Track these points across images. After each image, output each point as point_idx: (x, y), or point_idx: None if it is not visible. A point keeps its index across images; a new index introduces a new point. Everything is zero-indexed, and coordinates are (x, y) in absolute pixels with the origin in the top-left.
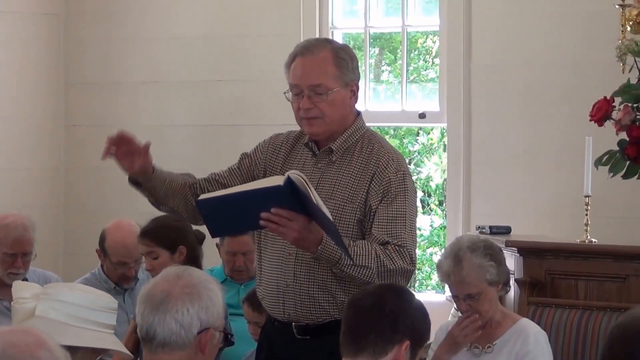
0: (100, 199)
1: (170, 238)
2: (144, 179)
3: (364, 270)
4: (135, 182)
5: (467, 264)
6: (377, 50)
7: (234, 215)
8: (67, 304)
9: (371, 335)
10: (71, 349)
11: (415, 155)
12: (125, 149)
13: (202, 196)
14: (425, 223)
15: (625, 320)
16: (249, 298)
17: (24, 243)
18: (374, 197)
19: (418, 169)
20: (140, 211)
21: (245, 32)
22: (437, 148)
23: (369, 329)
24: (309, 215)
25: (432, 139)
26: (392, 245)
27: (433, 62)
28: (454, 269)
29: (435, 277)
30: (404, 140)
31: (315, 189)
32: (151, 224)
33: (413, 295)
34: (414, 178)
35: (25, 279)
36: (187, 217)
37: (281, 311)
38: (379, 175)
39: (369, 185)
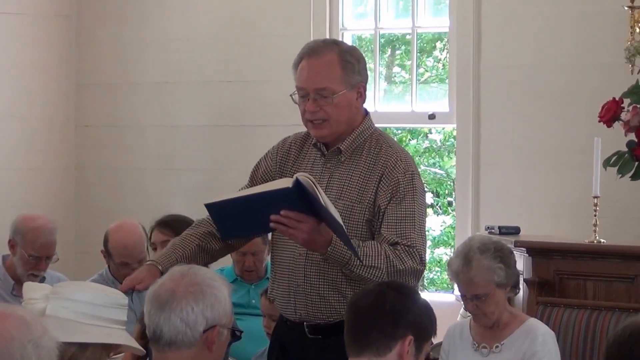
0: (111, 198)
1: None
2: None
3: (374, 271)
4: None
5: (476, 264)
6: (389, 51)
7: (243, 218)
8: (77, 302)
9: (373, 333)
10: (82, 346)
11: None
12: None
13: (212, 200)
14: (435, 223)
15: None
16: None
17: (50, 247)
18: (382, 197)
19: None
20: (151, 211)
21: (255, 33)
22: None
23: (371, 327)
24: (318, 216)
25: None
26: (402, 246)
27: (443, 64)
28: (462, 268)
29: (444, 276)
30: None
31: (325, 189)
32: (169, 217)
33: (414, 290)
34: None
35: (44, 278)
36: (220, 256)
37: (292, 311)
38: (387, 176)
39: (377, 185)
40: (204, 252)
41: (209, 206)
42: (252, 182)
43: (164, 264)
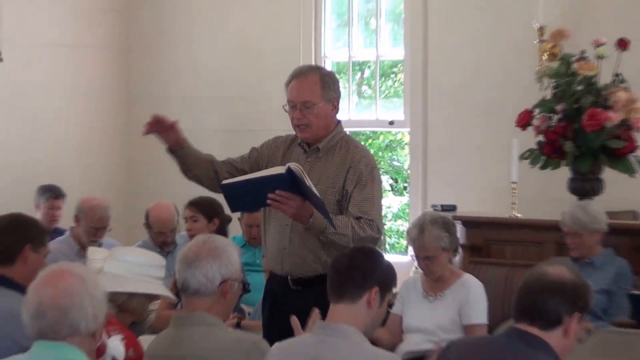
0: (151, 186)
1: (210, 210)
2: (177, 149)
3: (343, 237)
4: (171, 151)
5: (427, 233)
6: (359, 74)
7: (247, 195)
8: (127, 262)
9: (348, 286)
10: (130, 295)
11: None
12: (160, 127)
13: (225, 181)
14: (394, 202)
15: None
16: None
17: (105, 220)
18: (349, 184)
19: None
20: (183, 195)
21: (260, 60)
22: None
23: (346, 281)
24: (303, 196)
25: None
26: (364, 219)
27: (399, 83)
28: (418, 236)
29: (401, 243)
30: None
31: None
32: (198, 198)
33: (379, 253)
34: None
35: (101, 244)
36: (207, 184)
37: (280, 267)
38: (353, 168)
39: (346, 175)
40: (208, 164)
41: (222, 186)
42: (250, 156)
43: (187, 145)
